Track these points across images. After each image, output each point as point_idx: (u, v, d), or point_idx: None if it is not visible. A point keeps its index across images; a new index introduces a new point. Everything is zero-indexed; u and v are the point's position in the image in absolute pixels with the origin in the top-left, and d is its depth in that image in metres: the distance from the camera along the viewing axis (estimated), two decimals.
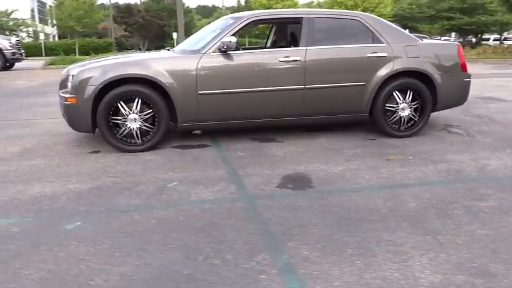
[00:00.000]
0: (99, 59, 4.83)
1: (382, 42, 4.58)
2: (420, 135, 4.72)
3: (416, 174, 3.47)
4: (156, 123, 4.15)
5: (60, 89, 4.37)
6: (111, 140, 4.09)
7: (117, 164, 3.79)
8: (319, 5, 35.56)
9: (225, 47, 4.14)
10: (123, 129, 4.10)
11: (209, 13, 65.40)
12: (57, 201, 2.95)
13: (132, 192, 3.11)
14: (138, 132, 4.12)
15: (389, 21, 5.42)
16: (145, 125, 4.13)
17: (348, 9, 35.67)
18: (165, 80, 4.06)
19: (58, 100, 4.51)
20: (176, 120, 4.19)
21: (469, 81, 4.92)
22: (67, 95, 4.07)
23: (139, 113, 4.09)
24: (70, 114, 4.11)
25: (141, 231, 2.48)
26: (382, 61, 4.49)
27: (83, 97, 3.98)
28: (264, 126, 4.57)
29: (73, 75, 4.07)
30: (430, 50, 4.75)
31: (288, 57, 4.31)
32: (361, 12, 5.08)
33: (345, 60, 4.48)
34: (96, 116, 4.01)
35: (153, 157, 3.99)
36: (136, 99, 4.07)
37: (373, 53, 4.49)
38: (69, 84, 4.13)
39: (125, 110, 4.07)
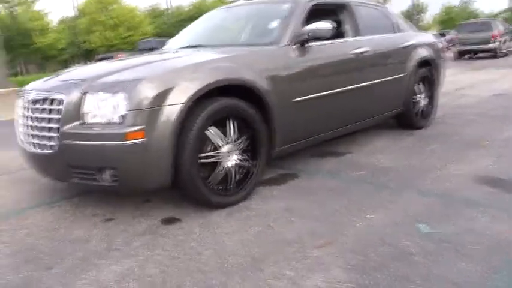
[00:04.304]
0: (82, 67, 2.85)
1: (402, 31, 4.33)
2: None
3: None
4: (251, 155, 2.70)
5: (64, 124, 2.33)
6: (206, 191, 2.43)
7: (266, 227, 2.27)
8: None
9: (308, 35, 3.01)
10: (218, 170, 2.50)
11: None
12: None
13: (422, 254, 1.89)
14: (236, 171, 2.60)
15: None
16: (242, 160, 2.64)
17: (109, 29, 33.78)
18: (264, 86, 2.68)
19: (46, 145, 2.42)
20: (272, 144, 2.84)
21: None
22: (125, 130, 2.17)
23: (235, 141, 2.59)
24: (133, 160, 2.20)
25: None
26: (409, 51, 4.22)
27: (158, 127, 2.22)
28: (337, 135, 3.63)
29: (121, 92, 2.20)
30: (428, 38, 4.76)
31: (359, 48, 3.54)
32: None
33: (393, 51, 4.01)
34: (181, 157, 2.30)
35: (271, 206, 2.58)
36: (228, 121, 2.55)
37: (405, 42, 4.20)
38: (100, 110, 2.25)
39: (218, 140, 2.50)
